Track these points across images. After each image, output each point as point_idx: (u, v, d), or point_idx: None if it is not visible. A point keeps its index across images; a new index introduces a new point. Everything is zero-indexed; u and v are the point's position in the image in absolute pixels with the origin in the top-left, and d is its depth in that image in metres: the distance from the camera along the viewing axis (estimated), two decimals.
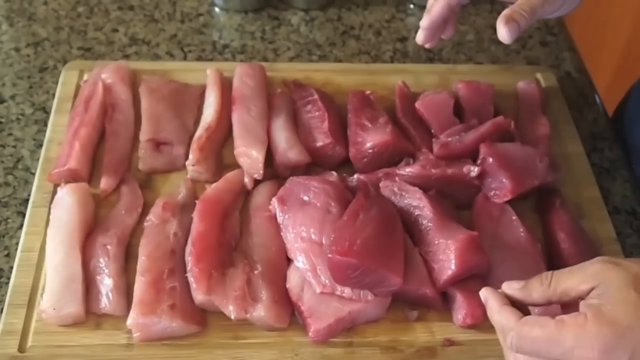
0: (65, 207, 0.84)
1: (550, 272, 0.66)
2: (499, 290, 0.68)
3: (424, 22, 0.86)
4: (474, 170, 0.86)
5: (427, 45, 0.89)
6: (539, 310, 0.70)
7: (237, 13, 1.19)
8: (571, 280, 0.64)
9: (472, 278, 0.81)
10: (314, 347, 0.78)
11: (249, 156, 0.89)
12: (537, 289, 0.66)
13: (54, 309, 0.77)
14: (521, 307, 0.67)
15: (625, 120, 1.08)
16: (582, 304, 0.63)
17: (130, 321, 0.76)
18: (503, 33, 0.79)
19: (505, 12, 0.79)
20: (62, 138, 0.93)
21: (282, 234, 0.84)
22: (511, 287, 0.68)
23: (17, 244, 0.85)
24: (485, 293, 0.69)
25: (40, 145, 0.95)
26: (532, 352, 0.62)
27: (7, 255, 0.86)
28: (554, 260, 0.85)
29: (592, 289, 0.63)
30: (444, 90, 0.99)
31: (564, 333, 0.60)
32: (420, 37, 0.88)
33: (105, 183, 0.89)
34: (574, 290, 0.64)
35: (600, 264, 0.64)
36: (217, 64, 1.07)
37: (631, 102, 1.08)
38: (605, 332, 0.59)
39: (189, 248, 0.81)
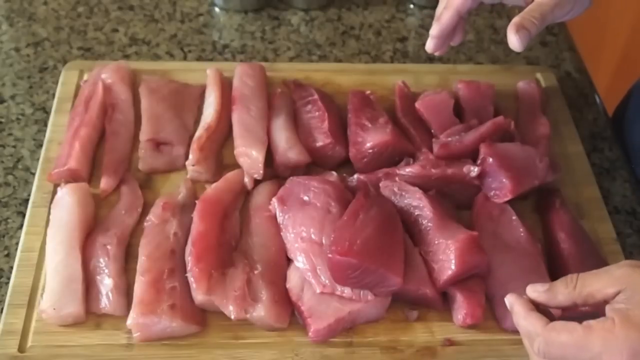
0: (65, 207, 0.84)
1: (576, 274, 0.66)
2: (524, 296, 0.68)
3: (434, 30, 0.86)
4: (474, 170, 0.86)
5: (437, 53, 0.89)
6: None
7: (237, 13, 1.19)
8: (597, 283, 0.64)
9: (472, 278, 0.81)
10: (314, 347, 0.78)
11: (249, 156, 0.89)
12: (562, 291, 0.66)
13: (54, 309, 0.77)
14: (546, 313, 0.66)
15: (625, 121, 1.08)
16: (608, 308, 0.62)
17: (130, 321, 0.76)
18: (514, 41, 0.79)
19: (516, 19, 0.79)
20: (62, 138, 0.93)
21: (282, 234, 0.84)
22: (536, 290, 0.68)
23: (17, 244, 0.85)
24: (510, 299, 0.68)
25: (40, 145, 0.95)
26: (559, 358, 0.62)
27: (7, 255, 0.86)
28: (554, 260, 0.85)
29: (618, 293, 0.62)
30: (444, 90, 0.99)
31: (591, 338, 0.60)
32: (430, 46, 0.88)
33: (105, 183, 0.89)
34: (599, 293, 0.64)
35: (627, 267, 0.64)
36: (217, 64, 1.07)
37: (632, 102, 1.08)
38: (633, 337, 0.59)
39: (189, 248, 0.81)
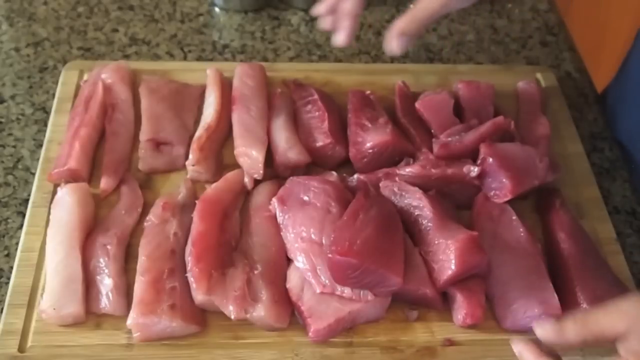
0: (65, 207, 0.84)
1: (584, 311, 0.65)
2: (530, 338, 0.66)
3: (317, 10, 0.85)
4: (474, 170, 0.86)
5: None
6: None
7: (237, 13, 1.19)
8: (607, 319, 0.63)
9: (472, 278, 0.81)
10: (314, 347, 0.78)
11: (249, 156, 0.89)
12: (572, 327, 0.64)
13: (54, 309, 0.77)
14: (553, 354, 0.65)
15: (608, 116, 1.08)
16: (621, 348, 0.62)
17: (130, 321, 0.76)
18: (393, 47, 0.80)
19: (399, 24, 0.79)
20: (62, 138, 0.93)
21: (282, 234, 0.84)
22: (544, 328, 0.66)
23: (17, 244, 0.85)
24: (518, 347, 0.66)
25: (40, 145, 0.95)
26: None
27: (7, 255, 0.86)
28: (554, 260, 0.85)
29: (628, 329, 0.61)
30: (444, 90, 0.99)
31: None
32: (339, 38, 0.86)
33: (105, 183, 0.89)
34: (609, 330, 0.63)
35: (636, 301, 0.63)
36: (217, 64, 1.07)
37: (610, 98, 1.08)
38: None
39: (189, 248, 0.81)
